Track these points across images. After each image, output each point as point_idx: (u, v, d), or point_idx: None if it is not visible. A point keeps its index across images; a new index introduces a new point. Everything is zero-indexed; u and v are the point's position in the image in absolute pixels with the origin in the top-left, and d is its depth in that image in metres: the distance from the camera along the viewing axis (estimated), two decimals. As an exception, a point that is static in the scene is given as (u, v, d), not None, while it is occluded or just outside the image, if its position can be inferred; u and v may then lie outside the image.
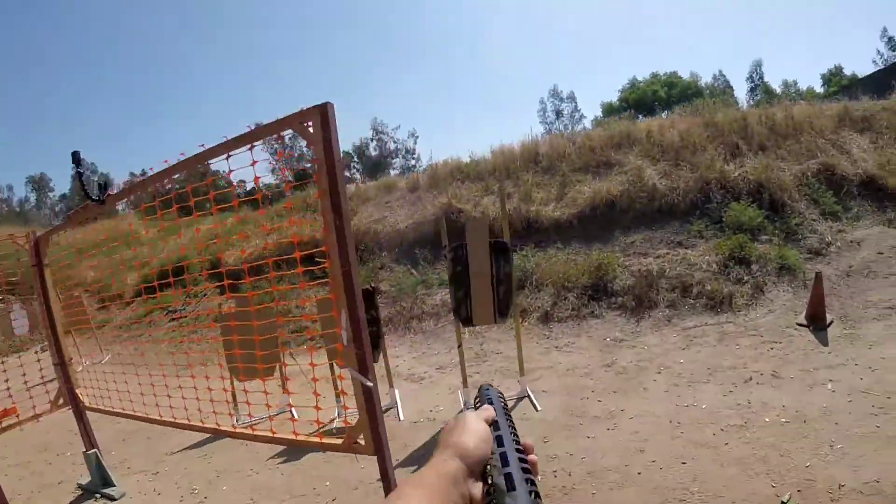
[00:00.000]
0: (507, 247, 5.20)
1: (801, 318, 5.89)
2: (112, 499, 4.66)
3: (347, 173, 49.90)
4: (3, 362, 6.40)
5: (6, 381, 5.40)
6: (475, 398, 0.77)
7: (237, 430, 3.74)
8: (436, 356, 7.25)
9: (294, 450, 5.09)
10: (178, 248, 14.74)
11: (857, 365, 4.76)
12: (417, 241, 10.34)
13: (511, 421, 0.70)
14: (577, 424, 4.56)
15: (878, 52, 42.66)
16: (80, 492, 4.94)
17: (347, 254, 2.60)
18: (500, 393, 0.77)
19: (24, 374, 5.15)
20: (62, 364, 4.85)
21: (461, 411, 0.74)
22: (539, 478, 0.61)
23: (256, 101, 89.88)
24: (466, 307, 5.29)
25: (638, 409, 4.64)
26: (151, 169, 3.28)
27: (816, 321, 5.69)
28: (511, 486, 0.55)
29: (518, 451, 0.62)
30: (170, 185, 3.88)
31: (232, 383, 5.97)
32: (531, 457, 0.64)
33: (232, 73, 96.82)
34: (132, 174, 57.85)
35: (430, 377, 6.56)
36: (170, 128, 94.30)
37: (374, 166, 46.87)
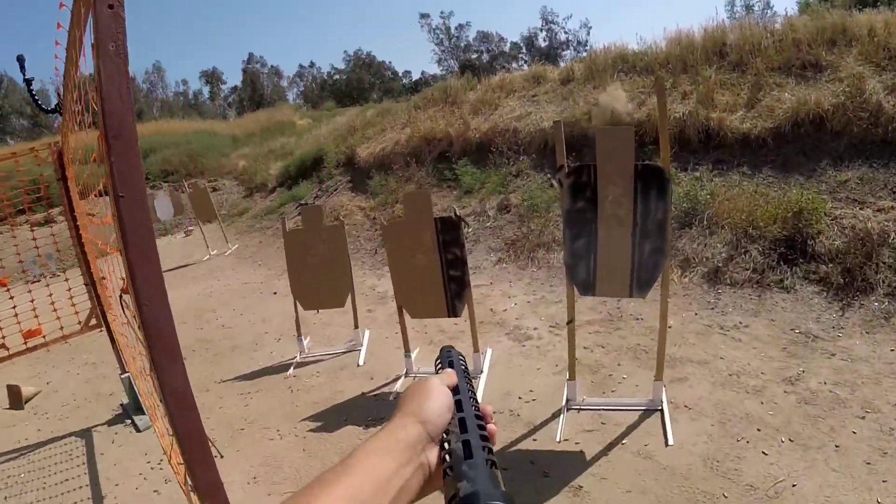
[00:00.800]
0: (663, 175, 3.16)
1: None
2: (137, 429, 4.27)
3: (515, 64, 45.85)
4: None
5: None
6: (436, 360, 0.71)
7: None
8: (555, 305, 5.54)
9: (332, 416, 4.13)
10: (317, 139, 14.43)
11: None
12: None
13: (471, 384, 0.65)
14: (720, 496, 2.77)
15: None
16: (119, 410, 4.64)
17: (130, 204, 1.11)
18: (462, 355, 0.72)
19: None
20: (92, 284, 4.26)
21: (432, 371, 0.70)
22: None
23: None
24: (587, 266, 3.55)
25: (819, 492, 2.68)
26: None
27: None
28: (469, 454, 0.49)
29: (477, 416, 0.57)
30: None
31: (296, 310, 5.19)
32: (490, 426, 0.58)
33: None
34: (301, 66, 59.49)
35: (539, 338, 4.92)
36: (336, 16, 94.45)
37: (543, 58, 42.94)
